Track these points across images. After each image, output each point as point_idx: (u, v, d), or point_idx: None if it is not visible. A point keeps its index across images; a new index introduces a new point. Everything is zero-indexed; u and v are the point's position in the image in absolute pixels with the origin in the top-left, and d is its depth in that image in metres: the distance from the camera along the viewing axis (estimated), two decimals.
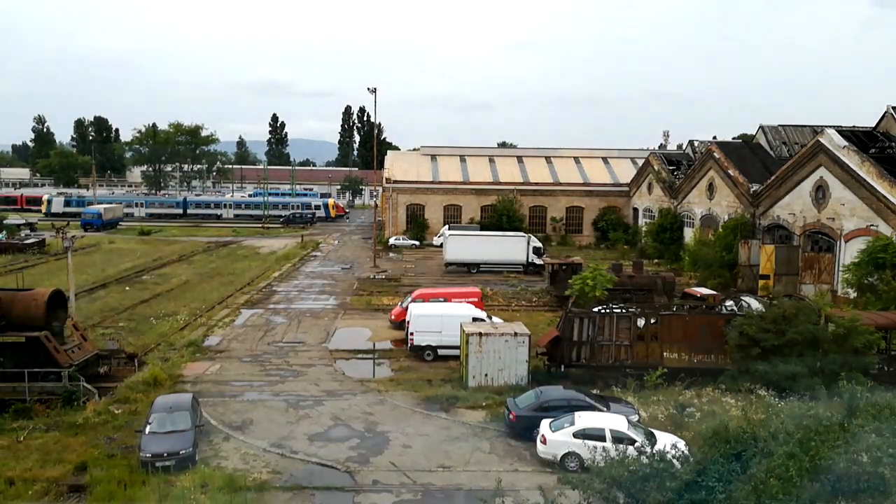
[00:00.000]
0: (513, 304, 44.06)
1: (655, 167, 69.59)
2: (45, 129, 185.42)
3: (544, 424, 21.22)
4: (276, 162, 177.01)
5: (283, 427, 23.26)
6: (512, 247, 56.67)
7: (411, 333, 31.70)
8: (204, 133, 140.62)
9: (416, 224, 77.01)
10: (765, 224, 48.05)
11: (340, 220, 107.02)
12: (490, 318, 32.96)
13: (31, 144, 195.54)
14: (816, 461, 11.99)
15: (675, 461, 13.79)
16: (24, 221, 78.07)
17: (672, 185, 65.07)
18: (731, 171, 52.98)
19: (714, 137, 68.28)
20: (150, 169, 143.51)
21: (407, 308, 34.68)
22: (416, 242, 73.67)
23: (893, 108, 46.97)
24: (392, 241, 73.68)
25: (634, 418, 22.29)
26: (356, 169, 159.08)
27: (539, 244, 57.68)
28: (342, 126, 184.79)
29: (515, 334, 27.30)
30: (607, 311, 28.77)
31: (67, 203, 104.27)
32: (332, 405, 25.43)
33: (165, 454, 19.57)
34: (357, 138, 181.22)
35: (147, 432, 20.42)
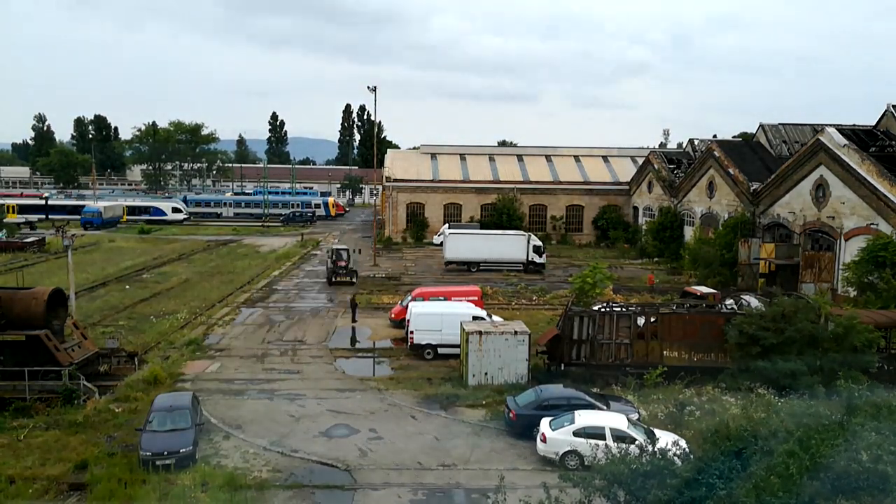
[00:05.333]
0: (513, 302, 44.04)
1: (655, 166, 69.57)
2: (45, 128, 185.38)
3: (544, 423, 21.24)
4: (276, 160, 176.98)
5: (283, 425, 23.27)
6: (512, 245, 56.66)
7: (411, 332, 31.71)
8: (204, 132, 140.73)
9: (416, 223, 77.00)
10: (765, 222, 48.06)
11: (341, 219, 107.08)
12: (490, 316, 32.95)
13: (31, 143, 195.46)
14: (816, 459, 11.99)
15: (675, 459, 13.80)
16: (24, 220, 78.10)
17: (672, 184, 65.07)
18: (731, 170, 52.98)
19: (714, 136, 68.29)
20: (150, 167, 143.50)
21: (407, 306, 34.68)
22: None
23: (894, 106, 46.99)
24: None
25: (634, 417, 22.31)
26: (356, 167, 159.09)
27: (539, 243, 57.64)
28: (342, 124, 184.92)
29: (515, 333, 27.31)
30: (607, 309, 28.78)
31: None
32: (332, 403, 25.44)
33: (165, 453, 19.57)
34: (357, 137, 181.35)
35: (147, 431, 20.43)
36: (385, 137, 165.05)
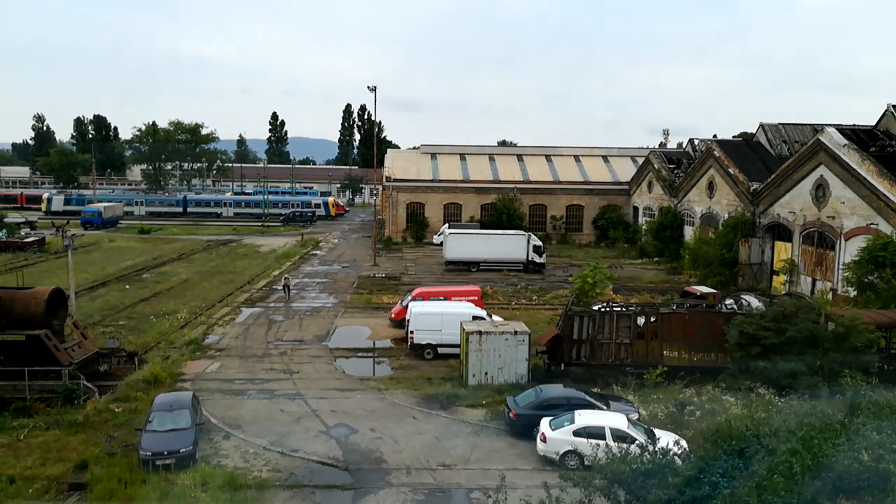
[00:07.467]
0: (513, 302, 44.03)
1: (655, 166, 69.56)
2: (44, 128, 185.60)
3: (544, 423, 21.24)
4: (276, 160, 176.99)
5: (283, 425, 23.26)
6: (512, 245, 56.67)
7: (411, 332, 31.71)
8: (204, 131, 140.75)
9: (416, 222, 77.00)
10: (765, 222, 48.03)
11: (341, 219, 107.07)
12: (490, 316, 32.94)
13: (31, 143, 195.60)
14: (819, 458, 11.99)
15: (676, 458, 13.79)
16: (24, 220, 78.03)
17: (672, 184, 65.05)
18: (731, 170, 52.96)
19: (714, 136, 68.24)
20: (150, 167, 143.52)
21: (407, 306, 34.67)
22: None
23: (894, 106, 46.98)
24: None
25: (634, 417, 22.31)
26: (356, 167, 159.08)
27: (539, 242, 57.64)
28: (342, 124, 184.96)
29: (515, 333, 27.30)
30: (607, 309, 28.77)
31: (67, 201, 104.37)
32: (332, 403, 25.43)
33: (166, 452, 19.57)
34: (357, 137, 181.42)
35: (147, 430, 20.42)
36: (385, 137, 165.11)
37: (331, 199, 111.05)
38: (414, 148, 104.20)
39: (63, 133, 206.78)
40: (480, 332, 27.10)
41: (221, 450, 21.23)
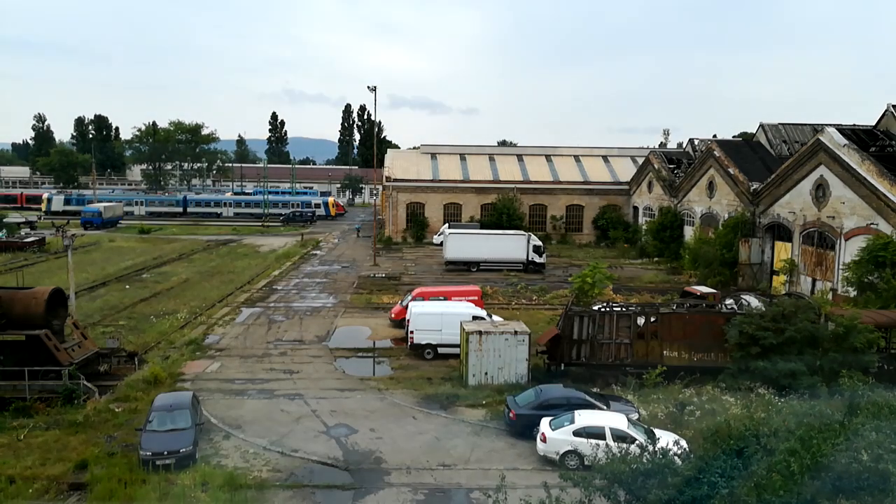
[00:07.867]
0: (513, 302, 44.03)
1: (655, 166, 69.57)
2: (45, 128, 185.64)
3: (544, 423, 21.26)
4: (276, 160, 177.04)
5: (283, 425, 23.27)
6: (512, 245, 56.70)
7: (411, 332, 31.72)
8: (204, 132, 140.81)
9: (416, 222, 77.01)
10: (765, 222, 48.03)
11: (341, 219, 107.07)
12: (490, 316, 32.95)
13: (31, 143, 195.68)
14: (818, 458, 11.99)
15: (676, 458, 13.79)
16: (24, 220, 78.05)
17: (672, 184, 65.05)
18: (731, 170, 52.96)
19: (714, 136, 68.23)
20: (150, 167, 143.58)
21: (407, 306, 34.69)
22: None
23: (894, 106, 46.95)
24: None
25: (634, 417, 22.32)
26: (356, 167, 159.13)
27: (539, 242, 57.66)
28: (342, 124, 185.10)
29: (515, 333, 27.31)
30: (607, 309, 28.78)
31: (67, 201, 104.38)
32: (332, 403, 25.45)
33: (166, 452, 19.59)
34: (357, 137, 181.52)
35: (147, 430, 20.44)
36: (385, 137, 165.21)
37: (331, 199, 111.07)
38: (414, 148, 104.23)
39: (63, 133, 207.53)
40: (480, 332, 27.11)
41: (221, 450, 21.24)
